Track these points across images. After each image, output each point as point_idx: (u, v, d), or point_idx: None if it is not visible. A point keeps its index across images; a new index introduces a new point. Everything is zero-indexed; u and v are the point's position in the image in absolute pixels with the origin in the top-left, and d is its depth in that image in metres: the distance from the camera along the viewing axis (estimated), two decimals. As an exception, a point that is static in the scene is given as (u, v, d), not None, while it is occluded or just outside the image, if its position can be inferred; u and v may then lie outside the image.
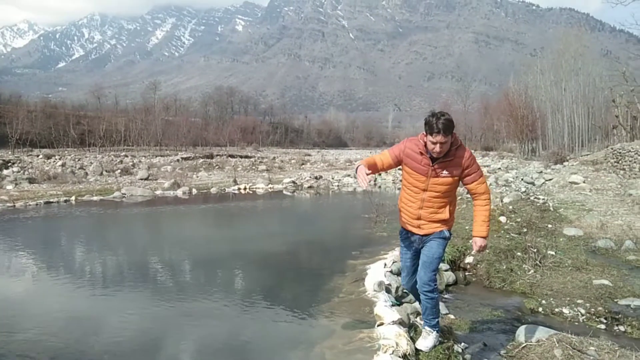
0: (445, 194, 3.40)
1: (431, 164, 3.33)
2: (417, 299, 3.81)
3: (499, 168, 24.82)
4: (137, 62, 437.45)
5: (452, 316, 4.80)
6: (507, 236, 7.79)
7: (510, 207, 10.37)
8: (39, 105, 59.97)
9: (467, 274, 6.47)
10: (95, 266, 7.01)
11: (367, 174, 3.33)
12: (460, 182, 3.47)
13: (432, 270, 3.50)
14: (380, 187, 19.67)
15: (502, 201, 11.35)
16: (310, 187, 19.55)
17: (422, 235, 3.53)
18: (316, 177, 21.49)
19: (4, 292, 5.65)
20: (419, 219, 3.48)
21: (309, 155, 54.20)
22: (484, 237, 3.49)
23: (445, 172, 3.32)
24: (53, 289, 5.82)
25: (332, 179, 21.97)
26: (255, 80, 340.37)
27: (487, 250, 6.89)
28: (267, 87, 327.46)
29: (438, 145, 3.23)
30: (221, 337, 4.21)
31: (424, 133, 3.30)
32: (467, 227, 8.42)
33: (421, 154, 3.36)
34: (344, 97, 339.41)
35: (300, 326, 4.36)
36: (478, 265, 6.56)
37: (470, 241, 7.43)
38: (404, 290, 5.14)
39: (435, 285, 3.54)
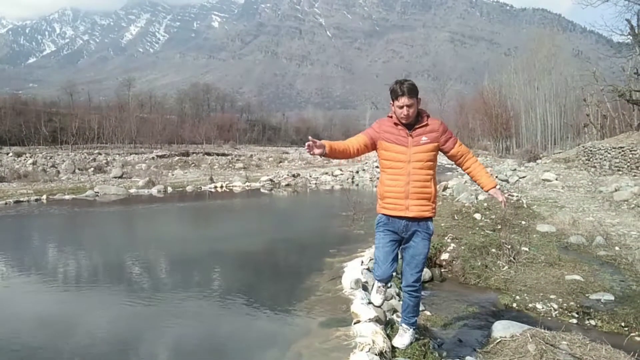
0: (428, 163, 3.35)
1: (409, 132, 3.33)
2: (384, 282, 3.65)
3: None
4: (110, 59, 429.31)
5: (428, 312, 4.83)
6: (482, 233, 7.89)
7: (485, 204, 10.51)
8: (9, 101, 58.19)
9: (442, 270, 6.53)
10: (67, 266, 6.83)
11: (316, 152, 3.26)
12: (442, 152, 3.48)
13: (418, 271, 3.46)
14: (357, 184, 19.73)
15: (477, 198, 11.50)
16: (287, 185, 19.49)
17: (409, 220, 3.39)
18: (294, 175, 21.43)
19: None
20: (407, 197, 3.35)
21: (287, 153, 54.06)
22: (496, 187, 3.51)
23: (424, 139, 3.32)
24: (22, 290, 5.65)
25: (310, 177, 21.95)
26: (232, 77, 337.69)
27: (463, 247, 6.97)
28: (244, 85, 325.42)
29: (405, 108, 3.26)
30: (197, 337, 4.14)
31: (391, 102, 3.35)
32: (442, 224, 8.50)
33: (396, 124, 3.36)
34: (322, 95, 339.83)
35: (277, 325, 4.32)
36: (453, 262, 6.63)
37: (446, 238, 7.51)
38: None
39: (420, 284, 3.53)
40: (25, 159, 28.06)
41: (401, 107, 3.27)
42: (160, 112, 72.13)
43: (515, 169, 20.49)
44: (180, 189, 17.30)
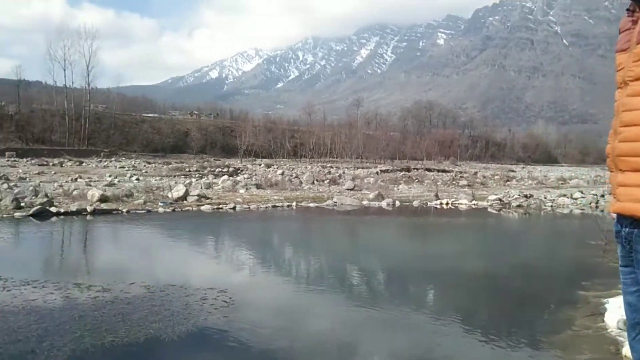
0: None
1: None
2: None
3: None
4: (342, 81, 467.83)
5: None
6: None
7: None
8: (262, 121, 69.02)
9: None
10: (301, 265, 8.03)
11: None
12: None
13: None
14: (602, 210, 17.34)
15: None
16: (519, 206, 18.26)
17: (624, 220, 1.62)
18: (526, 196, 20.00)
19: (229, 279, 6.63)
20: (615, 167, 1.66)
21: (513, 171, 50.62)
22: None
23: None
24: (263, 283, 6.67)
25: (545, 198, 20.17)
26: (455, 93, 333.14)
27: None
28: (468, 100, 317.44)
29: None
30: (412, 351, 4.22)
31: None
32: None
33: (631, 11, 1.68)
34: (555, 108, 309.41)
35: (517, 355, 4.10)
36: None
37: None
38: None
39: None
40: (274, 170, 32.55)
41: None
42: (385, 129, 75.67)
43: None
44: (407, 203, 17.81)
